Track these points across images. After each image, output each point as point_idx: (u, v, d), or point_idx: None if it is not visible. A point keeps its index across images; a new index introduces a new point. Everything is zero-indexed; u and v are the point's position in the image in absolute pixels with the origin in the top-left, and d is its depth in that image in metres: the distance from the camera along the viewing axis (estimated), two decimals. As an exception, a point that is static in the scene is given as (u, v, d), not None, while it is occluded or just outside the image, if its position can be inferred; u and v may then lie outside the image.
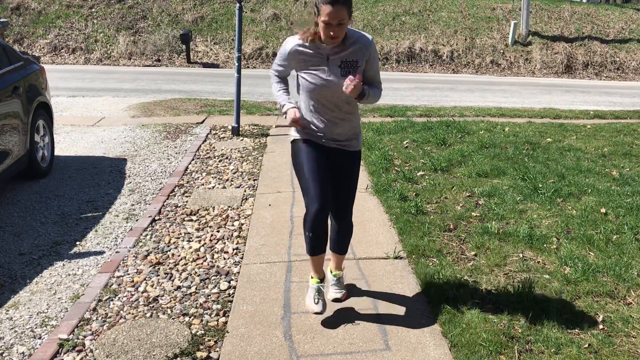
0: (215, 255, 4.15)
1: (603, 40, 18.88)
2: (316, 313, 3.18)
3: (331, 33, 2.81)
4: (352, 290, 3.57)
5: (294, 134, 3.20)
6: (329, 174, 3.10)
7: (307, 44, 2.96)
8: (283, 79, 3.24)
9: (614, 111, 10.26)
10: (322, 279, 3.30)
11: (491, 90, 13.32)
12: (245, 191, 5.49)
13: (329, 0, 2.76)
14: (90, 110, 9.38)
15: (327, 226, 3.12)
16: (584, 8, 21.01)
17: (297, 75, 3.09)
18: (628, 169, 6.29)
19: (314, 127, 3.11)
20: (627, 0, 27.58)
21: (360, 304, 3.43)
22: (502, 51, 17.99)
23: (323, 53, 2.96)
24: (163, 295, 3.59)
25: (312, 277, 3.31)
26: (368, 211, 4.93)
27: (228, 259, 4.09)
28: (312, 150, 3.11)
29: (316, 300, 3.20)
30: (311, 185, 3.03)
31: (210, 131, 7.94)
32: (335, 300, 3.36)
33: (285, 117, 3.04)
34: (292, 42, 3.03)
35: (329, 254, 3.39)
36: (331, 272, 3.45)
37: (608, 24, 19.94)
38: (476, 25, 19.03)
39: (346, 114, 3.11)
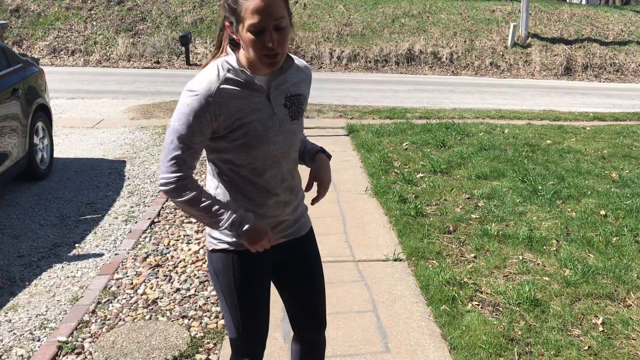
0: (215, 258, 4.14)
1: (602, 42, 18.90)
2: None
3: (268, 44, 1.65)
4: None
5: (213, 240, 1.94)
6: (268, 303, 2.05)
7: (237, 76, 1.74)
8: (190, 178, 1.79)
9: (614, 113, 10.26)
10: None
11: (490, 92, 13.32)
12: (244, 193, 5.49)
13: None
14: (89, 112, 9.37)
15: None
16: (583, 10, 21.03)
17: (216, 141, 1.79)
18: (627, 171, 6.29)
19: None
20: (626, 2, 27.65)
21: (360, 306, 3.43)
22: (501, 53, 18.00)
23: (262, 90, 1.78)
24: (162, 298, 3.58)
25: None
26: (367, 213, 4.93)
27: (227, 261, 4.09)
28: (253, 272, 1.95)
29: None
30: (247, 327, 1.99)
31: (210, 133, 7.93)
32: None
33: (246, 235, 1.81)
34: (209, 79, 1.71)
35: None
36: None
37: (607, 26, 19.96)
38: (475, 27, 19.05)
39: (296, 180, 1.97)
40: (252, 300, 1.96)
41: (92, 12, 18.19)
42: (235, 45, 1.80)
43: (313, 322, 2.15)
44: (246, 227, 1.79)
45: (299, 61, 1.91)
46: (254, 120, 1.76)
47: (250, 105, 1.76)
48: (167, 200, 5.27)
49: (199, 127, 1.71)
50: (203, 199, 1.77)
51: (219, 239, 1.92)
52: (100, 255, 4.23)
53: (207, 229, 1.95)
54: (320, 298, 2.13)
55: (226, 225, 1.78)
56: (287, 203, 1.93)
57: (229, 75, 1.74)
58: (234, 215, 1.79)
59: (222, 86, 1.71)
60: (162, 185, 1.76)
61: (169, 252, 4.22)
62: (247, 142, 1.76)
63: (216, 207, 1.78)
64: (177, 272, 3.92)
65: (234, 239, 1.89)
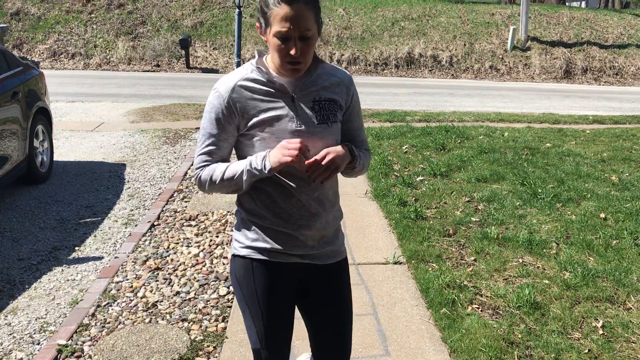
0: (215, 261, 4.14)
1: (602, 45, 18.93)
2: None
3: (291, 52, 1.70)
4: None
5: (236, 244, 1.96)
6: (292, 315, 2.00)
7: (260, 76, 1.81)
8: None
9: (613, 116, 10.28)
10: None
11: (490, 95, 13.33)
12: (244, 196, 5.48)
13: None
14: (89, 115, 9.38)
15: None
16: (583, 13, 21.07)
17: (239, 140, 1.85)
18: (627, 174, 6.29)
19: (274, 231, 1.89)
20: (625, 5, 27.71)
21: (360, 310, 3.42)
22: (501, 56, 18.03)
23: (285, 90, 1.81)
24: (162, 301, 3.58)
25: None
26: (367, 216, 4.92)
27: (227, 264, 4.09)
28: (274, 281, 1.93)
29: None
30: (268, 337, 1.95)
31: (210, 136, 7.93)
32: None
33: (273, 157, 1.75)
34: (231, 78, 1.82)
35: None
36: None
37: (607, 29, 19.99)
38: (475, 30, 19.08)
39: (326, 191, 1.92)
40: (274, 310, 1.93)
41: (92, 15, 18.22)
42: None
43: (334, 357, 2.08)
44: (264, 154, 1.77)
45: (334, 69, 1.91)
46: (273, 118, 1.79)
47: (270, 104, 1.80)
48: (166, 203, 5.27)
49: (220, 123, 1.80)
50: (220, 169, 1.81)
51: (242, 243, 1.93)
52: (100, 258, 4.22)
53: (234, 234, 1.97)
54: (345, 334, 2.05)
55: (250, 169, 1.77)
56: (314, 215, 1.88)
57: (253, 75, 1.82)
58: (251, 158, 1.79)
59: (242, 83, 1.80)
60: (196, 183, 1.88)
61: (168, 255, 4.22)
62: (266, 139, 1.79)
63: (232, 170, 1.80)
64: (177, 275, 3.91)
65: (255, 244, 1.91)
